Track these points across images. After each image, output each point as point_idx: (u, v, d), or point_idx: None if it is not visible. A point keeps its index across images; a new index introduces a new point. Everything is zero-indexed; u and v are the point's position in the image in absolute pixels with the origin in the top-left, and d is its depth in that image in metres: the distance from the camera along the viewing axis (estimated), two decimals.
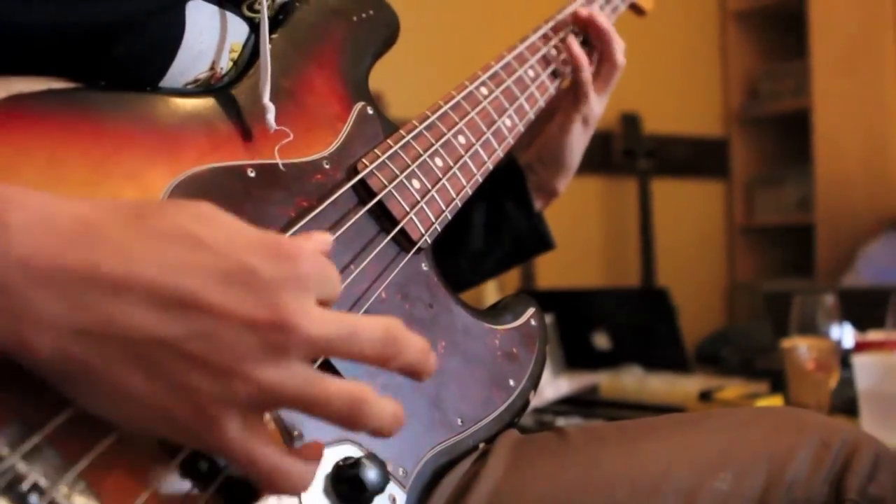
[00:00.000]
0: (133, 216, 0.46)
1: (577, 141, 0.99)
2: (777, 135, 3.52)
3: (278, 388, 0.46)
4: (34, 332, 0.43)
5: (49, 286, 0.43)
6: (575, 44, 0.96)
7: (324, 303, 0.48)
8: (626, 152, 3.13)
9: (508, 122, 0.87)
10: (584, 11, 0.97)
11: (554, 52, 0.95)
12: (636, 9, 1.13)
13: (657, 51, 3.20)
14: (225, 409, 0.45)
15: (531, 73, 0.92)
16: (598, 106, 0.98)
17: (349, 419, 0.48)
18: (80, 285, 0.43)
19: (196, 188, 0.60)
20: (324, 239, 0.52)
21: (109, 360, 0.44)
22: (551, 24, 0.97)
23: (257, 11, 0.70)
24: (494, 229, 1.00)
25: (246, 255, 0.46)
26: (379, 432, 0.49)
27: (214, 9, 0.68)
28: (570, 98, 0.97)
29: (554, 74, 0.95)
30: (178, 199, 0.58)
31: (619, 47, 0.98)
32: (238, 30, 0.71)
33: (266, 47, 0.67)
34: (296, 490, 0.49)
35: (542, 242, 1.04)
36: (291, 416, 0.57)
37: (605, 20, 0.98)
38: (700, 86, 3.49)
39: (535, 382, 0.77)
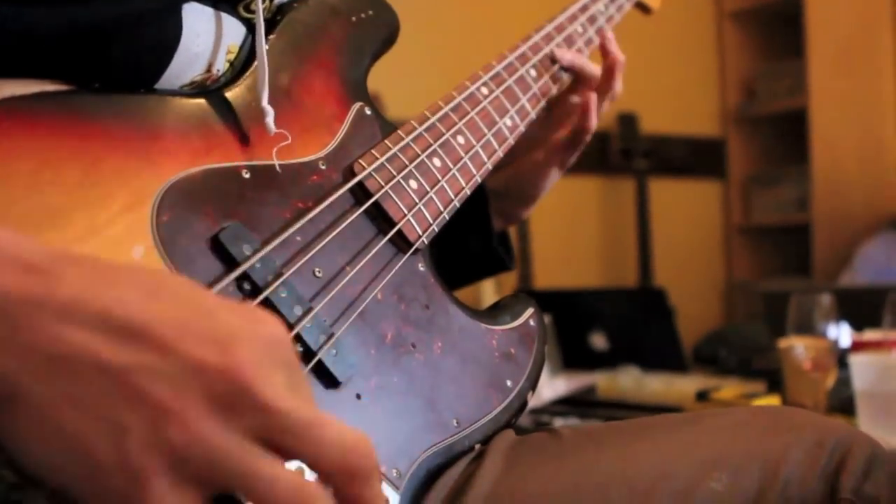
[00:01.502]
0: (106, 262, 0.43)
1: (551, 181, 0.97)
2: (774, 134, 3.52)
3: (216, 445, 0.40)
4: None
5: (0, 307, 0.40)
6: (592, 96, 0.94)
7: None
8: (623, 152, 3.13)
9: (510, 123, 0.86)
10: (564, 56, 0.94)
11: (580, 29, 0.95)
12: (642, 7, 1.13)
13: (654, 51, 3.20)
14: (153, 457, 0.39)
15: (533, 72, 0.91)
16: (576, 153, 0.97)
17: None
18: (30, 306, 0.41)
19: (189, 190, 0.60)
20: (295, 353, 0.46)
21: (38, 379, 0.40)
22: (554, 23, 0.96)
23: (254, 12, 0.70)
24: (446, 252, 0.93)
25: (214, 307, 0.43)
26: None
27: (210, 10, 0.68)
28: (554, 140, 0.96)
29: (556, 76, 0.94)
30: (166, 217, 0.57)
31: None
32: (235, 31, 0.70)
33: (262, 50, 0.67)
34: None
35: (499, 264, 0.99)
36: None
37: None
38: (697, 85, 3.49)
39: (533, 383, 0.77)
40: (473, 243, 0.95)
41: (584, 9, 1.00)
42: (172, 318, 0.42)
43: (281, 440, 0.41)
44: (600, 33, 1.00)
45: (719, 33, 3.53)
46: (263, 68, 0.66)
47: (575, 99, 0.97)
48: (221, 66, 0.69)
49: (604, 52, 0.99)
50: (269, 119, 0.66)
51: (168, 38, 0.65)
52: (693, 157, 3.44)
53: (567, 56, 0.94)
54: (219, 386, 0.40)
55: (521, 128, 0.88)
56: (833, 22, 3.19)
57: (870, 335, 1.52)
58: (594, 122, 0.94)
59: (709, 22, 3.52)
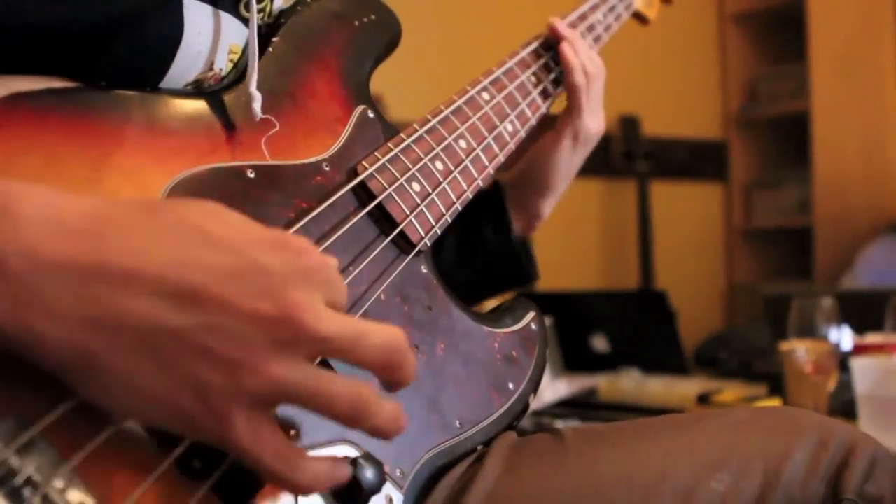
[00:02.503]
0: (142, 211, 0.46)
1: (565, 159, 0.95)
2: (776, 137, 3.52)
3: (286, 382, 0.46)
4: (42, 320, 0.43)
5: (58, 277, 0.43)
6: (569, 50, 0.94)
7: (331, 306, 0.48)
8: (624, 154, 3.13)
9: (510, 128, 0.87)
10: (559, 28, 0.95)
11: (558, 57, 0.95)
12: (639, 17, 1.14)
13: (656, 53, 3.20)
14: (233, 403, 0.45)
15: (534, 78, 0.91)
16: (590, 121, 0.94)
17: (350, 418, 0.48)
18: (90, 277, 0.43)
19: (195, 188, 0.60)
20: (332, 257, 0.52)
21: (118, 350, 0.44)
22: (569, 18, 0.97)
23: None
24: (466, 248, 0.95)
25: (254, 251, 0.46)
26: (378, 433, 0.49)
27: (209, 9, 0.68)
28: (562, 112, 0.95)
29: (557, 81, 0.95)
30: (181, 197, 0.58)
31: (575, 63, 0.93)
32: (237, 32, 0.70)
33: (255, 38, 0.67)
34: (301, 488, 0.49)
35: (523, 270, 0.97)
36: (288, 413, 0.57)
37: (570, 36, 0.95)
38: (699, 88, 3.49)
39: (534, 386, 0.77)
40: (491, 243, 0.94)
41: (582, 17, 1.00)
42: (223, 270, 0.45)
43: (335, 356, 0.49)
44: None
45: (721, 36, 3.53)
46: (254, 53, 0.67)
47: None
48: (223, 65, 0.70)
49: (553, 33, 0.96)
50: (256, 104, 0.66)
51: (171, 35, 0.65)
52: (694, 160, 3.44)
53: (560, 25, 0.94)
54: (279, 332, 0.45)
55: (522, 133, 0.88)
56: (835, 25, 3.19)
57: (871, 338, 1.52)
58: (574, 73, 0.92)
59: (710, 25, 3.52)
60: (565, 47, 0.93)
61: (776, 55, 3.50)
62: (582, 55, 0.94)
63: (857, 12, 3.20)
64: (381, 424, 0.49)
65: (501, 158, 0.85)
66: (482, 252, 0.95)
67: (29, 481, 0.44)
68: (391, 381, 0.50)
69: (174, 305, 0.44)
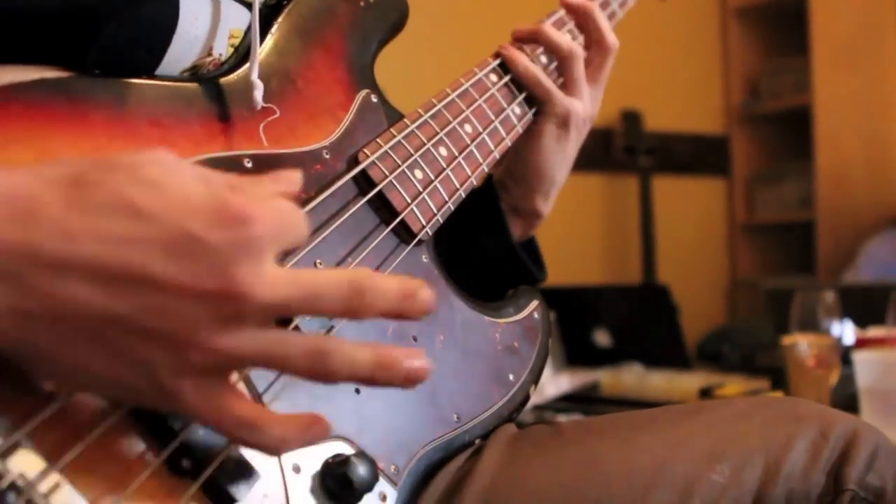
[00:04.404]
0: (72, 185, 0.43)
1: (553, 148, 0.86)
2: (778, 132, 3.51)
3: (235, 352, 0.45)
4: None
5: None
6: (552, 29, 0.86)
7: (287, 252, 0.47)
8: (626, 149, 3.12)
9: (518, 111, 0.84)
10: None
11: (568, 36, 0.90)
12: None
13: (658, 48, 3.20)
14: (181, 378, 0.45)
15: (544, 59, 0.88)
16: (576, 103, 0.86)
17: (315, 373, 0.46)
18: (21, 267, 0.42)
19: None
20: (287, 179, 0.50)
21: (59, 341, 0.43)
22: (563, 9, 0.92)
23: None
24: (460, 257, 0.83)
25: (190, 223, 0.44)
26: (357, 380, 0.47)
27: None
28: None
29: None
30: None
31: (604, 25, 0.88)
32: (238, 16, 0.69)
33: (256, 24, 0.66)
34: (270, 450, 0.48)
35: (529, 275, 0.87)
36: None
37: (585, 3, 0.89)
38: (701, 83, 3.48)
39: (536, 377, 0.76)
40: (491, 248, 0.86)
41: None
42: (161, 249, 0.43)
43: (287, 314, 0.48)
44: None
45: (723, 30, 3.52)
46: (255, 41, 0.66)
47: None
48: (223, 49, 0.69)
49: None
50: (258, 93, 0.65)
51: (165, 19, 0.64)
52: (697, 155, 3.43)
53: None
54: (223, 308, 0.44)
55: (530, 115, 0.85)
56: (837, 19, 3.18)
57: (873, 332, 1.51)
58: (558, 40, 0.86)
59: (713, 19, 3.51)
60: (544, 26, 0.87)
61: (778, 49, 3.49)
62: (560, 33, 0.87)
63: (860, 6, 3.19)
64: (353, 372, 0.46)
65: (508, 143, 0.82)
66: (481, 262, 0.86)
67: (13, 486, 0.43)
68: (383, 318, 0.48)
69: (111, 291, 0.43)
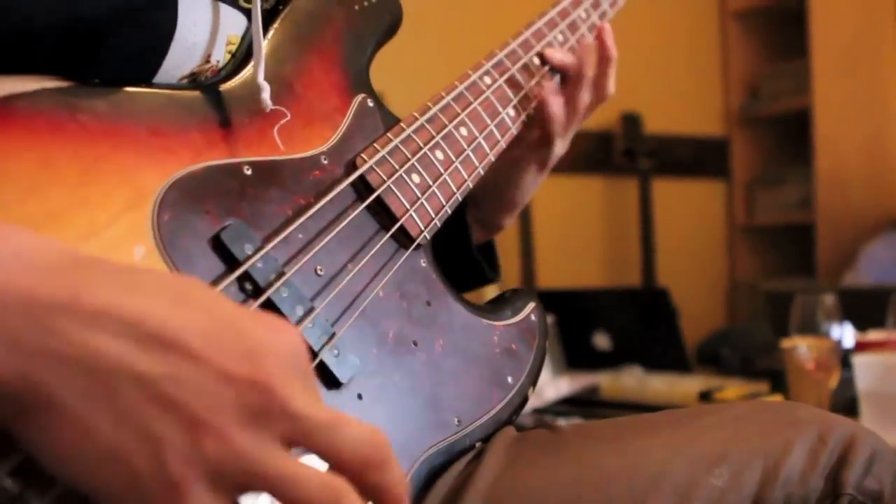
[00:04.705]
0: (122, 264, 0.44)
1: (531, 182, 0.92)
2: (777, 134, 3.51)
3: (251, 457, 0.41)
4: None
5: (24, 308, 0.40)
6: (548, 83, 0.89)
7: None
8: (626, 152, 3.12)
9: (512, 113, 0.85)
10: (554, 56, 0.90)
11: (560, 37, 0.92)
12: None
13: (658, 51, 3.20)
14: (191, 468, 0.40)
15: (536, 60, 0.89)
16: (560, 148, 0.91)
17: None
18: (59, 310, 0.40)
19: (190, 187, 0.59)
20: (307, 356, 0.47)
21: (75, 390, 0.40)
22: (557, 9, 0.94)
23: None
24: None
25: (236, 316, 0.43)
26: None
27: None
28: (532, 138, 0.90)
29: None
30: (167, 216, 0.57)
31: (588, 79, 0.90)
32: (235, 22, 0.70)
33: (259, 26, 0.66)
34: None
35: (482, 276, 0.93)
36: None
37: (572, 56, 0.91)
38: (701, 85, 3.48)
39: (534, 379, 0.76)
40: (451, 253, 0.86)
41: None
42: (201, 328, 0.42)
43: (305, 442, 0.43)
44: (599, 25, 0.94)
45: (723, 33, 3.52)
46: (260, 44, 0.66)
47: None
48: (221, 56, 0.69)
49: (600, 42, 0.93)
50: (266, 94, 0.65)
51: (164, 28, 0.64)
52: (696, 157, 3.43)
53: (557, 56, 0.90)
54: (250, 397, 0.42)
55: (524, 117, 0.86)
56: (837, 22, 3.18)
57: (873, 335, 1.52)
58: (553, 110, 0.88)
59: (712, 22, 3.52)
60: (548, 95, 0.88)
61: (778, 52, 3.49)
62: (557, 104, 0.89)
63: (859, 9, 3.19)
64: None
65: (503, 145, 0.83)
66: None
67: (21, 498, 0.42)
68: (371, 483, 0.44)
69: (144, 351, 0.41)
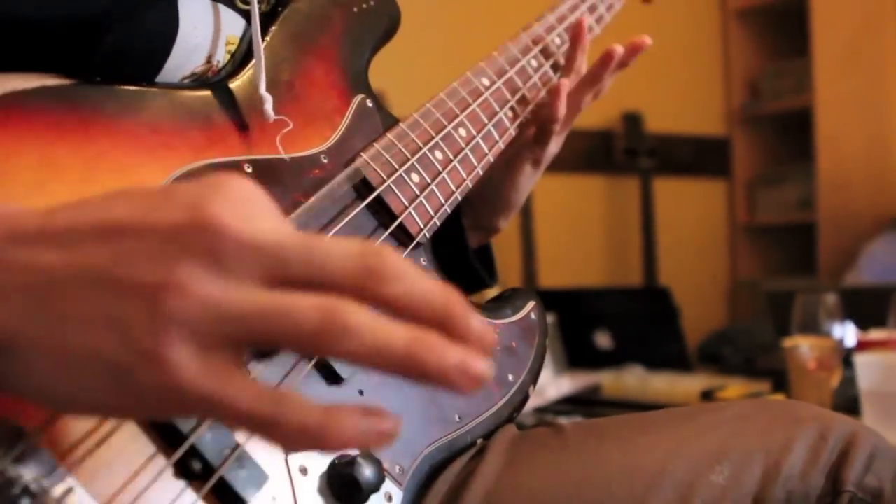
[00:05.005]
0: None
1: (526, 181, 0.92)
2: (779, 133, 3.51)
3: (221, 300, 0.37)
4: None
5: None
6: (564, 80, 0.89)
7: None
8: (627, 151, 3.12)
9: (510, 114, 0.85)
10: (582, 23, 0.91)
11: (558, 40, 0.93)
12: None
13: (659, 50, 3.17)
14: (161, 335, 0.37)
15: (534, 62, 0.90)
16: (555, 147, 0.91)
17: (323, 335, 0.37)
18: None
19: None
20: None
21: (32, 317, 0.38)
22: (556, 13, 0.95)
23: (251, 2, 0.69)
24: None
25: (161, 186, 0.42)
26: (389, 363, 0.38)
27: (207, 1, 0.68)
28: (527, 135, 0.90)
29: (556, 66, 0.93)
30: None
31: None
32: (234, 23, 0.70)
33: (258, 35, 0.67)
34: (290, 438, 0.38)
35: (478, 281, 0.92)
36: None
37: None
38: (702, 84, 3.48)
39: (534, 376, 0.77)
40: (448, 259, 0.83)
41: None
42: (133, 203, 0.40)
43: (285, 273, 0.39)
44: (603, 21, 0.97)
45: (724, 32, 3.52)
46: (260, 55, 0.66)
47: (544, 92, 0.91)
48: (221, 57, 0.69)
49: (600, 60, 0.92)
50: (268, 106, 0.66)
51: (166, 29, 0.65)
52: (698, 157, 3.43)
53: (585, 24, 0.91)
54: (199, 241, 0.38)
55: (522, 118, 0.87)
56: (838, 20, 3.18)
57: (875, 334, 1.51)
58: (561, 111, 0.88)
59: (714, 20, 3.51)
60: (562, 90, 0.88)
61: (779, 51, 3.49)
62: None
63: (861, 8, 3.18)
64: (381, 346, 0.37)
65: (501, 146, 0.84)
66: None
67: (26, 490, 0.43)
68: (379, 295, 0.39)
69: (82, 248, 0.39)
